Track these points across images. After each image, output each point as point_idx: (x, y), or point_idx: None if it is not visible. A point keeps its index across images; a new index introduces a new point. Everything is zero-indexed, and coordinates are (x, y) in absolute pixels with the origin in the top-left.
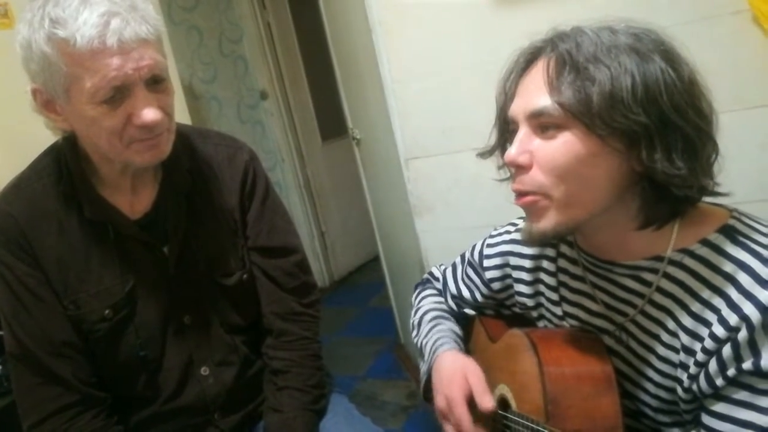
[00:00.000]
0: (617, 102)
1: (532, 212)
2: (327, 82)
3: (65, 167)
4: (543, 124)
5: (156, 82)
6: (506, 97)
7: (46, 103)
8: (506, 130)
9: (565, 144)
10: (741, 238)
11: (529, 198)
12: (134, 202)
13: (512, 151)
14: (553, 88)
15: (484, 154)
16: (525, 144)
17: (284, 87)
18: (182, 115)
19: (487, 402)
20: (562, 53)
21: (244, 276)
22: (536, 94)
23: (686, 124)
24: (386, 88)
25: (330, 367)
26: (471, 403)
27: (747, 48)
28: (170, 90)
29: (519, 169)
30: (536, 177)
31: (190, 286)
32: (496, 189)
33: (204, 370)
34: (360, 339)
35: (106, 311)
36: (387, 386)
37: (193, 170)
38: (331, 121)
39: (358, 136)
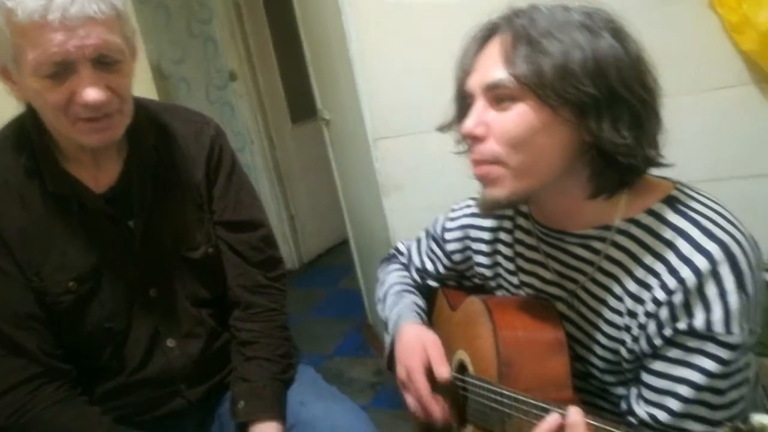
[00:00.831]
0: (568, 74)
1: (487, 181)
2: (297, 63)
3: (28, 140)
4: (498, 96)
5: (106, 63)
6: (464, 72)
7: (3, 70)
8: (465, 104)
9: (519, 115)
10: (682, 207)
11: (484, 167)
12: (99, 176)
13: (469, 123)
14: (508, 61)
15: (444, 128)
16: (481, 116)
17: (254, 68)
18: (150, 96)
19: (443, 372)
20: (518, 28)
21: (210, 250)
22: (492, 67)
23: (632, 97)
24: (355, 69)
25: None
26: (430, 372)
27: (704, 32)
28: (125, 71)
29: (475, 140)
30: (492, 147)
31: (156, 260)
32: (463, 168)
33: (170, 342)
34: (329, 319)
35: (70, 284)
36: (355, 364)
37: (158, 145)
38: (301, 102)
39: (327, 117)
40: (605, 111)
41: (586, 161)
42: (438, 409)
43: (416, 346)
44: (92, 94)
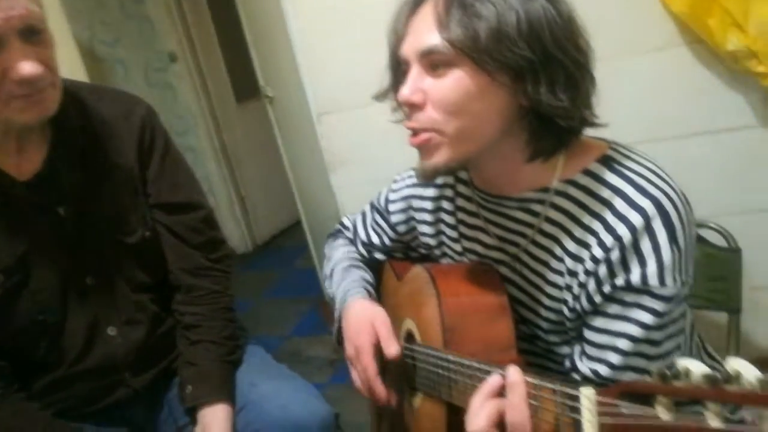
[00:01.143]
0: (503, 37)
1: (426, 150)
2: (239, 41)
3: None
4: (433, 62)
5: (32, 34)
6: (397, 37)
7: None
8: (399, 70)
9: (456, 81)
10: (617, 166)
11: (423, 136)
12: (21, 162)
13: (405, 91)
14: (443, 26)
15: (380, 97)
16: (417, 83)
17: (194, 48)
18: (82, 79)
19: (392, 350)
20: None
21: (147, 233)
22: (426, 32)
23: (566, 58)
24: (294, 43)
25: (255, 330)
26: (379, 349)
27: None
28: (50, 42)
29: (413, 107)
30: (430, 114)
31: (91, 247)
32: (408, 139)
33: (111, 330)
34: (285, 300)
35: None
36: (313, 342)
37: (86, 128)
38: (245, 82)
39: (270, 94)
40: (541, 74)
41: (524, 125)
42: (383, 390)
43: (364, 323)
44: (28, 67)
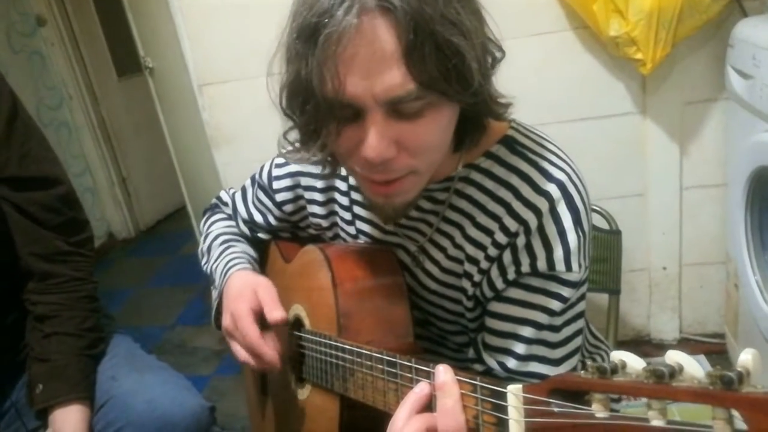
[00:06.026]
0: (467, 65)
1: (397, 193)
2: (119, 8)
3: None
4: (404, 109)
5: None
6: (331, 71)
7: None
8: (331, 113)
9: (434, 121)
10: (519, 148)
11: (397, 184)
12: None
13: (374, 151)
14: (413, 65)
15: (295, 153)
16: (386, 134)
17: (66, 12)
18: None
19: (276, 314)
20: (400, 10)
21: None
22: (388, 72)
23: (494, 46)
24: (173, 7)
25: (138, 320)
26: (263, 320)
27: None
28: None
29: (385, 161)
30: (405, 162)
31: None
32: (368, 191)
33: None
34: (170, 288)
35: None
36: (198, 332)
37: None
38: (128, 54)
39: (150, 65)
40: (486, 77)
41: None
42: (269, 350)
43: (245, 290)
44: None
